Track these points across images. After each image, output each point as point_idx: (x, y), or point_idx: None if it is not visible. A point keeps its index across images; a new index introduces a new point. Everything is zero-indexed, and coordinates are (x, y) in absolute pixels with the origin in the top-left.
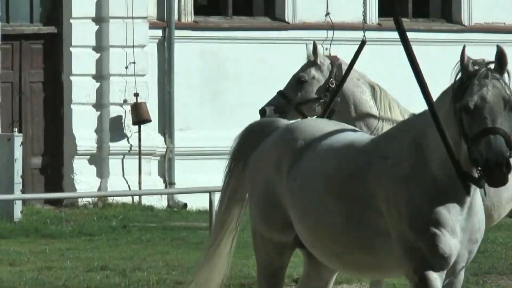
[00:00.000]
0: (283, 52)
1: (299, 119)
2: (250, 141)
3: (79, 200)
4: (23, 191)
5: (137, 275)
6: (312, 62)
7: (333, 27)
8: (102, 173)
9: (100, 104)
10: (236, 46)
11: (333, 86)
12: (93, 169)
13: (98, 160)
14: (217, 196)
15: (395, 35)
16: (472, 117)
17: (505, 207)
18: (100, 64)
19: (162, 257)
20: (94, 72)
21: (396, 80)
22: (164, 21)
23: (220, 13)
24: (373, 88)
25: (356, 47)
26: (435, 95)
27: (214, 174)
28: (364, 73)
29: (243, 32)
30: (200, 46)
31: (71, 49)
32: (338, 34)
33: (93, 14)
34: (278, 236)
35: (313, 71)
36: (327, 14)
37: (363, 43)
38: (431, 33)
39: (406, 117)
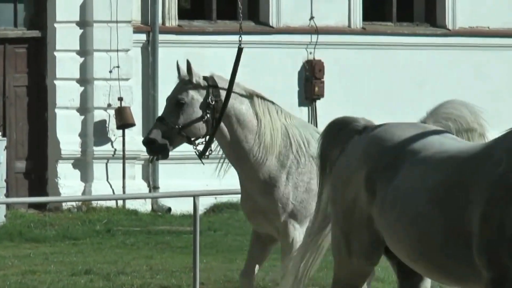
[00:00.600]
0: (267, 56)
1: (381, 124)
2: (332, 140)
3: (63, 204)
4: (7, 195)
5: (121, 279)
6: (187, 82)
7: (317, 31)
8: (86, 177)
9: (84, 108)
10: (220, 50)
11: (213, 103)
12: (77, 173)
13: (83, 164)
14: (201, 200)
15: (379, 39)
16: None
17: None
18: (84, 68)
19: (146, 261)
20: (78, 76)
21: (381, 84)
22: (148, 25)
23: (205, 17)
24: (250, 95)
25: (341, 51)
26: (421, 98)
27: (199, 178)
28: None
29: (228, 36)
30: (184, 50)
31: (55, 53)
32: (322, 38)
33: (77, 18)
34: (361, 257)
35: (191, 92)
36: (311, 18)
37: (240, 50)
38: (415, 37)
39: (289, 121)
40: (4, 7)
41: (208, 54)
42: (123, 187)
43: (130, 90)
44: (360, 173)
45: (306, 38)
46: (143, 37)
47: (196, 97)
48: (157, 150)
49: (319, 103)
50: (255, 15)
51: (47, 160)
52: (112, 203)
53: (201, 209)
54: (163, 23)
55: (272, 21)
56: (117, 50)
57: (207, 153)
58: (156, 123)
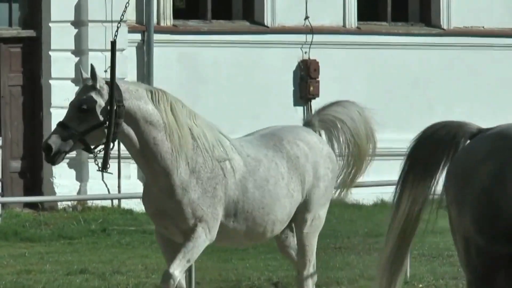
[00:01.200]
0: (262, 56)
1: (499, 126)
2: (434, 144)
3: (59, 203)
4: (2, 195)
5: (116, 279)
6: (90, 87)
7: (312, 30)
8: (82, 176)
9: None
10: (215, 50)
11: (115, 108)
12: (72, 172)
13: (78, 163)
14: None
15: (374, 38)
16: None
17: None
18: (79, 68)
19: (142, 260)
20: (73, 75)
21: (376, 83)
22: (143, 25)
23: (199, 16)
24: (151, 93)
25: (336, 50)
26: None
27: None
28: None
29: (222, 36)
30: (179, 50)
31: (50, 52)
32: (317, 37)
33: (72, 18)
34: (498, 247)
35: (94, 97)
36: (306, 17)
37: (113, 44)
38: (410, 37)
39: (194, 121)
40: None
41: (203, 54)
42: (119, 186)
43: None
44: (491, 166)
45: (301, 37)
46: (138, 36)
47: (99, 102)
48: (54, 156)
49: (314, 103)
50: (250, 15)
51: (42, 159)
52: (107, 203)
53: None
54: (158, 22)
55: (267, 21)
56: None
57: (107, 165)
58: (57, 128)
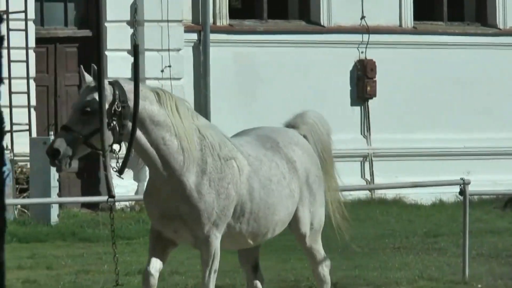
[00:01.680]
0: (318, 55)
1: None
2: None
3: (116, 203)
4: (59, 195)
5: (174, 279)
6: (93, 88)
7: (368, 30)
8: (139, 176)
9: None
10: (270, 49)
11: (119, 109)
12: (130, 172)
13: (135, 163)
14: None
15: (431, 38)
16: None
17: None
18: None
19: (200, 260)
20: (129, 75)
21: (432, 83)
22: (199, 25)
23: (255, 16)
24: (157, 93)
25: (393, 50)
26: (474, 97)
27: None
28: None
29: (278, 36)
30: (235, 49)
31: (106, 52)
32: (374, 37)
33: (128, 18)
34: None
35: (97, 99)
36: (362, 17)
37: (136, 47)
38: (466, 37)
39: (198, 121)
40: (55, 6)
41: (259, 54)
42: None
43: (181, 89)
44: None
45: (357, 37)
46: (194, 36)
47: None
48: (60, 161)
49: (371, 103)
50: (306, 15)
51: (100, 159)
52: None
53: None
54: (214, 22)
55: (323, 21)
56: (169, 50)
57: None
58: (60, 132)
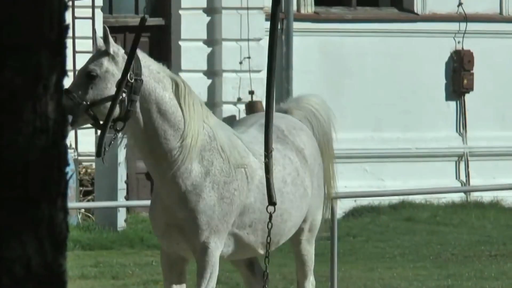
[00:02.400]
0: (411, 46)
1: None
2: None
3: None
4: (127, 198)
5: None
6: (103, 52)
7: (466, 18)
8: None
9: (212, 102)
10: (360, 39)
11: (132, 81)
12: None
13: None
14: (339, 203)
15: None
16: None
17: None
18: (212, 59)
19: (279, 269)
20: (205, 68)
21: None
22: (282, 12)
23: (343, 3)
24: (176, 83)
25: (492, 40)
26: None
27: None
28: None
29: (368, 24)
30: (321, 39)
31: (180, 42)
32: (472, 26)
33: (204, 5)
34: None
35: (106, 63)
36: (459, 4)
37: (142, 21)
38: None
39: (211, 120)
40: None
41: (347, 43)
42: None
43: (261, 82)
44: None
45: (453, 26)
46: None
47: (112, 70)
48: None
49: (468, 97)
50: (398, 2)
51: None
52: None
53: (339, 213)
54: (298, 10)
55: (417, 8)
56: (248, 40)
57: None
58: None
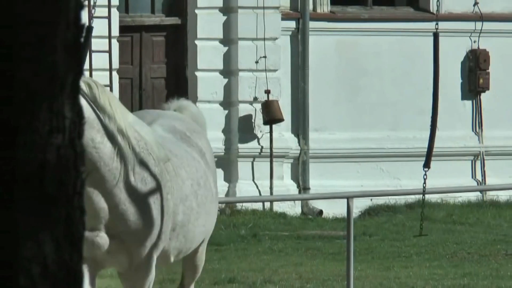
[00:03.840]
0: (427, 45)
1: None
2: None
3: None
4: None
5: None
6: None
7: (482, 18)
8: (231, 177)
9: (228, 102)
10: (376, 38)
11: None
12: (220, 172)
13: (226, 163)
14: (355, 202)
15: None
16: None
17: None
18: (228, 59)
19: (295, 268)
20: (221, 67)
21: None
22: (298, 12)
23: (359, 2)
24: (88, 85)
25: (508, 39)
26: None
27: (353, 178)
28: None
29: (384, 24)
30: (337, 38)
31: (196, 42)
32: (488, 25)
33: (220, 4)
34: None
35: None
36: (476, 3)
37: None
38: None
39: (129, 116)
40: None
41: (363, 43)
42: (271, 187)
43: (278, 82)
44: None
45: (469, 25)
46: (292, 24)
47: None
48: None
49: (484, 97)
50: (414, 1)
51: None
52: (258, 206)
53: (355, 212)
54: (314, 9)
55: (433, 7)
56: (264, 39)
57: None
58: None
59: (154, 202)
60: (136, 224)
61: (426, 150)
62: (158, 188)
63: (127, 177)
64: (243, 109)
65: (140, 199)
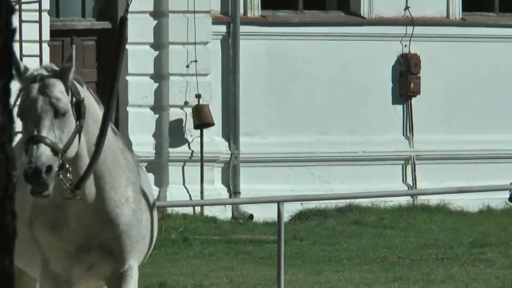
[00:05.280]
0: (358, 49)
1: None
2: None
3: None
4: None
5: None
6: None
7: (413, 22)
8: (161, 181)
9: (159, 106)
10: (307, 43)
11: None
12: (151, 177)
13: (157, 167)
14: (286, 207)
15: (480, 30)
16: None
17: None
18: (159, 63)
19: (226, 273)
20: (152, 71)
21: (483, 79)
22: (229, 16)
23: (290, 7)
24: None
25: (439, 43)
26: None
27: (283, 182)
28: None
29: (315, 28)
30: (267, 43)
31: (127, 46)
32: (419, 29)
33: (151, 8)
34: None
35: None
36: (406, 8)
37: (123, 20)
38: None
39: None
40: None
41: (293, 47)
42: (201, 192)
43: (208, 86)
44: None
45: (400, 29)
46: (223, 28)
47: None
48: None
49: (415, 101)
50: (345, 5)
51: None
52: (189, 210)
53: (286, 216)
54: (245, 13)
55: (364, 11)
56: (195, 43)
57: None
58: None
59: (139, 205)
60: (125, 231)
61: (357, 154)
62: (139, 189)
63: (121, 180)
64: (174, 113)
65: (128, 203)
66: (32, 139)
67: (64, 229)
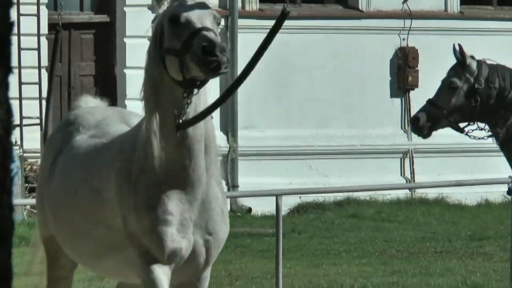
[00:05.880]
0: (356, 43)
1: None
2: None
3: None
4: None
5: None
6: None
7: (411, 15)
8: None
9: None
10: (305, 36)
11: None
12: None
13: None
14: (284, 200)
15: (478, 24)
16: (177, 27)
17: None
18: None
19: (224, 266)
20: None
21: None
22: (227, 9)
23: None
24: None
25: (437, 37)
26: None
27: (281, 176)
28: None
29: (313, 21)
30: (265, 36)
31: (125, 39)
32: (417, 23)
33: (149, 2)
34: None
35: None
36: (404, 1)
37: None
38: None
39: None
40: None
41: (292, 41)
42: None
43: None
44: None
45: (399, 23)
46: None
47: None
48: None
49: (413, 94)
50: None
51: None
52: None
53: (284, 210)
54: (243, 6)
55: (362, 5)
56: None
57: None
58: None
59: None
60: (224, 225)
61: (355, 147)
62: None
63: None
64: None
65: (223, 193)
66: (203, 29)
67: (171, 227)
